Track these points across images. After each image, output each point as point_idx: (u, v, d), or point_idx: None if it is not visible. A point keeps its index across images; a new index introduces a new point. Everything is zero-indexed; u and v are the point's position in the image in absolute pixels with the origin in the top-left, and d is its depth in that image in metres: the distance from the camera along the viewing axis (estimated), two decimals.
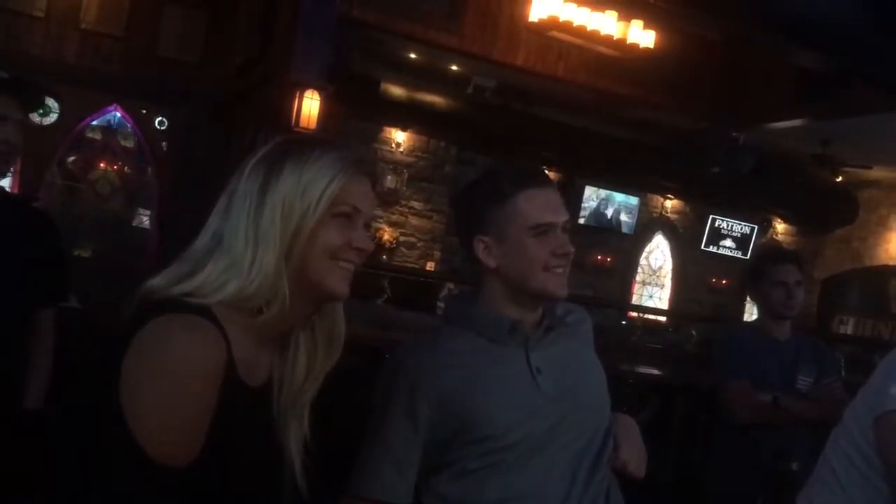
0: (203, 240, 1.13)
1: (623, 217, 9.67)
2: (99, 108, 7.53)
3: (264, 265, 1.09)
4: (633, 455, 1.51)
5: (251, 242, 1.10)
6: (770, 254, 3.57)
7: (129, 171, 8.75)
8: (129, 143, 8.62)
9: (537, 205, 1.48)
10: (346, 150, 1.17)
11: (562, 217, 1.49)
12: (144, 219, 8.82)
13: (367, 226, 1.18)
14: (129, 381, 1.01)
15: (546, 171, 1.58)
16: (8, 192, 2.20)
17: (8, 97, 1.96)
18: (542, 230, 1.47)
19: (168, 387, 1.01)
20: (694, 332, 7.68)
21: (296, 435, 1.21)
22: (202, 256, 1.11)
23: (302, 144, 1.17)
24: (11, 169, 2.11)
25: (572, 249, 1.49)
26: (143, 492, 1.01)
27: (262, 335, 1.14)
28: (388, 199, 8.19)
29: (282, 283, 1.10)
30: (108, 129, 8.57)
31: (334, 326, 1.23)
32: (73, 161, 8.44)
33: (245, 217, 1.11)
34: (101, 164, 8.71)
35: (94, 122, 8.13)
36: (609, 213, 9.55)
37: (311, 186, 1.11)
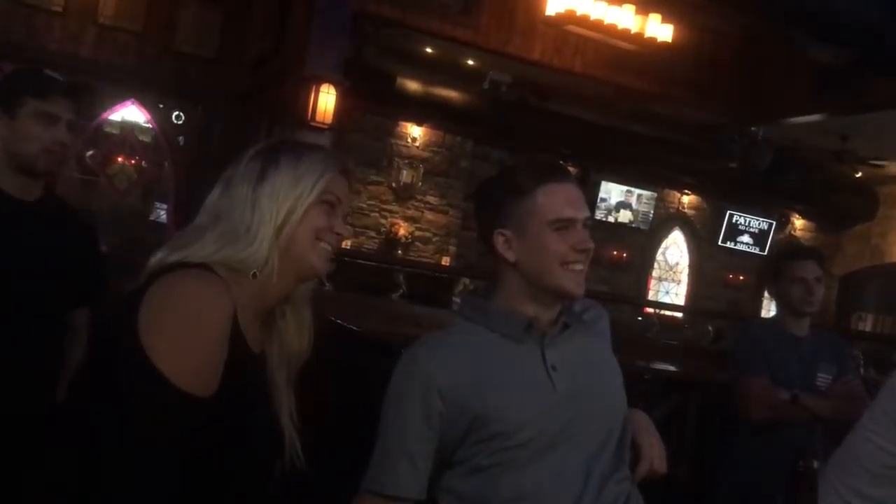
0: (202, 218, 1.27)
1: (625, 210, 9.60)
2: (116, 102, 7.56)
3: (260, 234, 1.22)
4: (655, 451, 1.50)
5: (249, 212, 1.23)
6: (790, 250, 3.54)
7: (146, 165, 8.79)
8: (147, 138, 8.66)
9: (558, 200, 1.47)
10: (331, 152, 1.36)
11: (582, 213, 1.48)
12: (162, 213, 8.87)
13: (344, 218, 1.33)
14: (146, 325, 1.10)
15: (567, 167, 1.57)
16: (55, 194, 2.22)
17: (62, 99, 2.01)
18: (562, 225, 1.46)
19: (183, 316, 1.12)
20: (710, 328, 7.64)
21: (285, 410, 1.31)
22: (202, 230, 1.24)
23: (293, 145, 1.34)
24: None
25: (592, 245, 1.48)
26: (166, 411, 1.08)
27: (253, 303, 1.24)
28: (403, 194, 8.20)
29: (272, 255, 1.23)
30: (125, 124, 8.61)
31: (303, 315, 1.35)
32: (91, 155, 8.48)
33: (243, 195, 1.25)
34: (119, 159, 8.76)
35: (111, 117, 8.17)
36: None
37: (304, 177, 1.27)
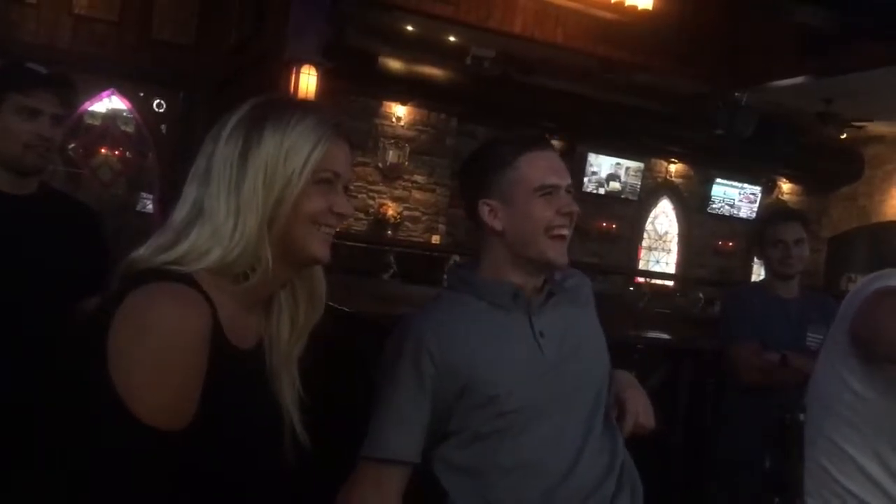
0: (183, 209, 1.13)
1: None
2: (95, 93, 7.49)
3: (247, 233, 1.09)
4: (640, 406, 1.53)
5: (233, 211, 1.10)
6: (771, 214, 3.57)
7: (130, 155, 8.73)
8: (129, 128, 8.60)
9: (541, 167, 1.50)
10: (325, 114, 1.17)
11: (565, 180, 1.51)
12: (148, 203, 8.82)
13: (346, 189, 1.19)
14: (115, 351, 1.01)
15: (547, 137, 1.59)
16: (51, 187, 2.19)
17: (45, 93, 1.96)
18: (546, 191, 1.49)
19: (154, 352, 1.01)
20: (701, 296, 7.67)
21: (289, 391, 1.22)
22: (184, 226, 1.11)
23: (280, 107, 1.16)
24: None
25: (577, 209, 1.50)
26: (139, 454, 1.01)
27: (248, 300, 1.15)
28: (390, 174, 8.17)
29: (264, 250, 1.10)
30: (107, 115, 8.54)
31: (314, 284, 1.24)
32: (74, 148, 8.41)
33: (226, 185, 1.11)
34: (102, 150, 8.70)
35: (92, 108, 8.09)
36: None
37: (293, 153, 1.11)
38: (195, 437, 1.06)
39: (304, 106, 1.20)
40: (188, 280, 1.07)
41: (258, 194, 1.10)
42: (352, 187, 7.75)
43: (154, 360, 1.01)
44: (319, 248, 1.15)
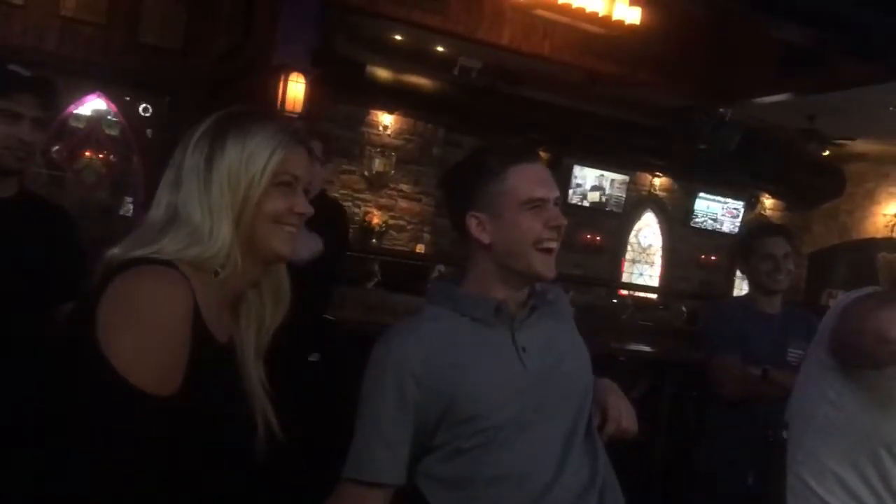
0: (158, 212, 1.22)
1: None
2: (81, 96, 7.44)
3: (221, 233, 1.19)
4: (622, 411, 1.52)
5: (206, 213, 1.19)
6: (758, 228, 3.60)
7: (114, 159, 8.66)
8: (114, 132, 8.53)
9: (529, 180, 1.49)
10: (283, 122, 1.30)
11: (553, 192, 1.51)
12: (131, 207, 8.76)
13: (306, 191, 1.29)
14: (104, 325, 1.08)
15: (534, 148, 1.59)
16: (30, 190, 2.17)
17: (24, 95, 1.94)
18: (534, 204, 1.48)
19: (145, 319, 1.09)
20: (684, 309, 7.72)
21: (258, 387, 1.30)
22: (161, 227, 1.20)
23: (242, 118, 1.26)
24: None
25: (565, 221, 1.50)
26: (130, 414, 1.06)
27: (221, 295, 1.22)
28: (376, 183, 8.16)
29: (233, 251, 1.20)
30: (92, 118, 8.47)
31: (280, 283, 1.33)
32: (58, 150, 8.34)
33: (196, 190, 1.20)
34: (86, 154, 8.62)
35: (77, 111, 8.04)
36: None
37: (253, 159, 1.21)
38: (177, 420, 1.10)
39: (264, 116, 1.29)
40: (170, 265, 1.15)
41: (225, 196, 1.20)
42: (337, 194, 7.74)
43: (141, 323, 1.08)
44: (281, 244, 1.24)
